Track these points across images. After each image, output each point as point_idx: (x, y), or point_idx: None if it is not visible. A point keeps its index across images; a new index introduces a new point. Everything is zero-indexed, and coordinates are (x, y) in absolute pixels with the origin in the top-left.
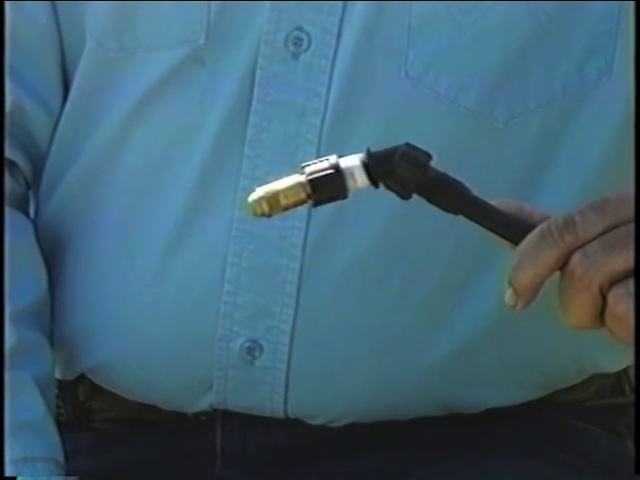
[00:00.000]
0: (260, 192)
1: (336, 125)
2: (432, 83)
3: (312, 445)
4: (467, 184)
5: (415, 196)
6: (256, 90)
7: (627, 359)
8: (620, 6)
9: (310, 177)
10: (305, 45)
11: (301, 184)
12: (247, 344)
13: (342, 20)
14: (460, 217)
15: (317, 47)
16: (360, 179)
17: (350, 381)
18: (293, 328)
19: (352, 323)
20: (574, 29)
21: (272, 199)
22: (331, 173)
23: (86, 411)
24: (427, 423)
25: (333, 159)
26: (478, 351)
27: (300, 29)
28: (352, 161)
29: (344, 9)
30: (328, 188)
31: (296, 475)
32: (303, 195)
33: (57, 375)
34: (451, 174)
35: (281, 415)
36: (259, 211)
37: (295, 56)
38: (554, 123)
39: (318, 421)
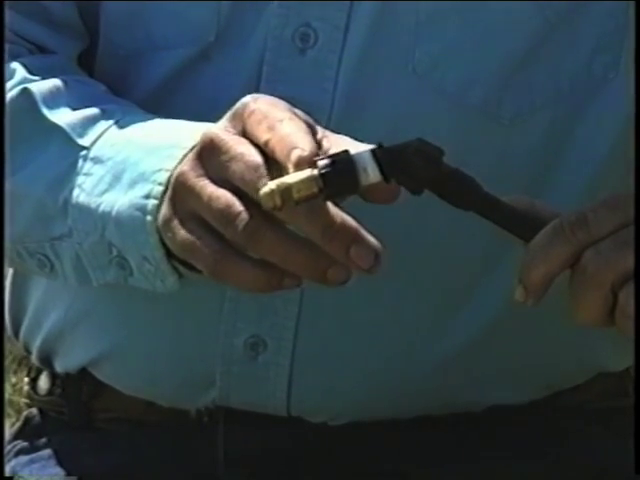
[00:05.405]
0: (272, 185)
1: (343, 121)
2: (439, 80)
3: (313, 444)
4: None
5: (425, 192)
6: (263, 85)
7: (630, 358)
8: (629, 3)
9: (322, 171)
10: (312, 41)
11: (313, 178)
12: (251, 340)
13: (349, 16)
14: (467, 215)
15: (324, 43)
16: (372, 174)
17: (353, 379)
18: (297, 325)
19: (356, 321)
20: (582, 26)
21: (285, 193)
22: (343, 167)
23: (88, 411)
24: (429, 422)
25: (345, 153)
26: (482, 350)
27: (307, 25)
28: (364, 155)
29: (351, 5)
30: (340, 182)
31: (297, 474)
32: (315, 189)
33: (60, 368)
34: (463, 170)
35: (283, 412)
36: (271, 204)
37: (302, 52)
38: (561, 120)
39: (319, 419)
